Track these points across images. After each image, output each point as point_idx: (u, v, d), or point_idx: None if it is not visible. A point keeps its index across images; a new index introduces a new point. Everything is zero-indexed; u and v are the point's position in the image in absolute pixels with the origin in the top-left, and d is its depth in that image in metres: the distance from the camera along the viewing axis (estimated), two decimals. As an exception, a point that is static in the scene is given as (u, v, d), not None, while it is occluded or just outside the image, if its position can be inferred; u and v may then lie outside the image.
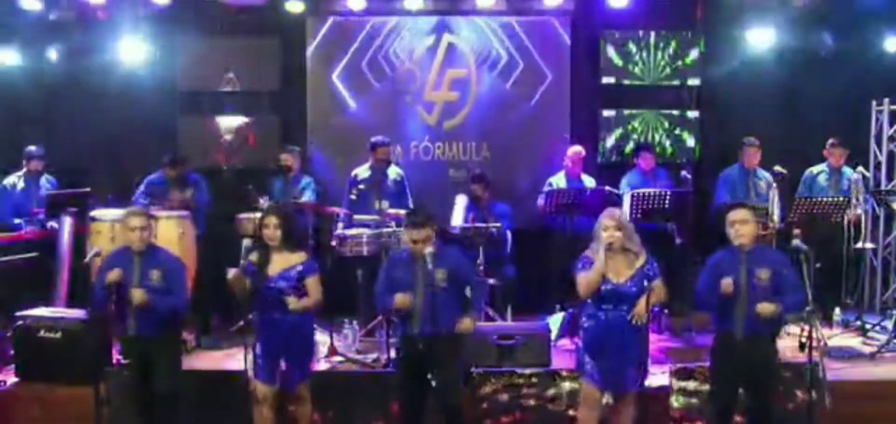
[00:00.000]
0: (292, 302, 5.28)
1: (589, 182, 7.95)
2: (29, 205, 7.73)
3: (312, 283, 5.38)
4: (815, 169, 8.01)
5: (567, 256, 7.53)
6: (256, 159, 8.62)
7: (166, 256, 5.60)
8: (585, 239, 5.38)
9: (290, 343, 5.35)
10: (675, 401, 6.06)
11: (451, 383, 5.29)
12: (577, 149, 8.02)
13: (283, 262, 5.34)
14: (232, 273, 5.28)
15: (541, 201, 7.71)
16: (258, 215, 5.80)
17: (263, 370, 5.34)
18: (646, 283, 5.14)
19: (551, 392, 6.14)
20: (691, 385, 6.07)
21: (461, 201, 7.60)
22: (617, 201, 7.20)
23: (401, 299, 5.14)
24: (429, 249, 5.14)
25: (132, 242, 5.40)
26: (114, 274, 5.30)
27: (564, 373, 6.15)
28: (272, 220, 5.34)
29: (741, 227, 5.14)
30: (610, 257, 5.11)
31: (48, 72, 8.43)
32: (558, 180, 7.93)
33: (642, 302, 5.08)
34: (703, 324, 6.88)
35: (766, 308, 5.02)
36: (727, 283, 5.02)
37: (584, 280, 5.13)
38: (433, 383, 5.21)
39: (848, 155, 7.95)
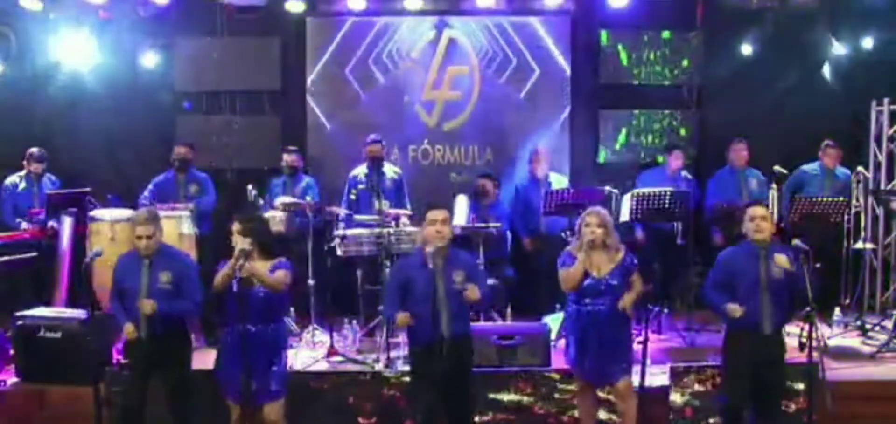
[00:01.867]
0: (245, 269, 4.93)
1: (559, 181, 7.93)
2: (30, 206, 7.73)
3: (281, 272, 5.12)
4: (806, 167, 8.00)
5: (556, 256, 7.58)
6: (256, 159, 8.62)
7: (177, 256, 5.50)
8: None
9: (268, 355, 5.12)
10: (675, 401, 6.06)
11: (467, 389, 5.22)
12: (540, 149, 8.02)
13: (263, 269, 5.08)
14: (220, 277, 5.04)
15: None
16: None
17: (233, 387, 5.11)
18: (627, 277, 5.30)
19: (551, 391, 6.14)
20: (691, 384, 6.08)
21: (462, 201, 7.59)
22: (616, 200, 7.21)
23: (402, 318, 5.03)
24: (439, 244, 5.02)
25: (140, 250, 5.26)
26: (130, 330, 5.20)
27: (564, 374, 6.15)
28: (236, 228, 5.09)
29: (762, 223, 5.21)
30: (591, 253, 5.29)
31: (48, 72, 8.41)
32: (523, 182, 7.94)
33: (629, 296, 5.24)
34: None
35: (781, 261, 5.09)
36: (736, 311, 5.11)
37: (566, 275, 5.34)
38: (450, 389, 5.07)
39: (841, 156, 7.95)
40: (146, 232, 5.25)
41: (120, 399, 5.48)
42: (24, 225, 7.56)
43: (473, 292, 5.02)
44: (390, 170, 7.86)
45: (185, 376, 5.45)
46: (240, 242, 5.03)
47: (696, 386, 6.04)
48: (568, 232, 7.27)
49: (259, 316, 5.10)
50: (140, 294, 5.19)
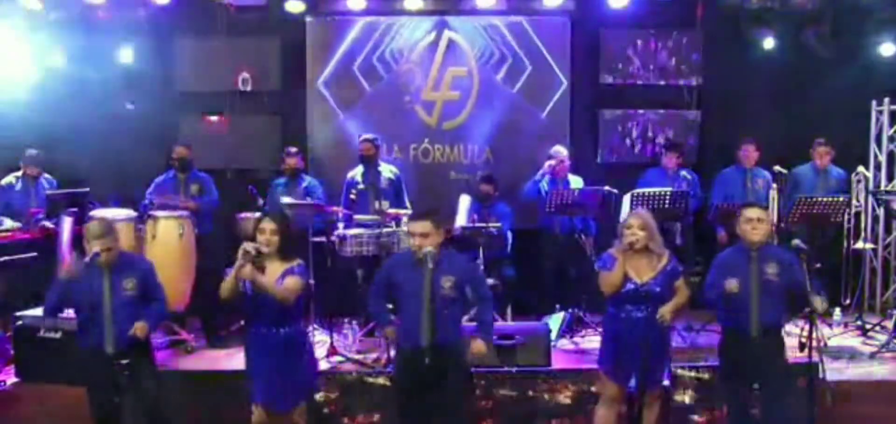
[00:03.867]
0: (246, 273, 4.81)
1: (577, 183, 7.90)
2: (26, 206, 7.71)
3: (293, 280, 4.95)
4: (797, 169, 7.98)
5: (565, 256, 7.58)
6: (257, 160, 8.61)
7: (136, 261, 5.33)
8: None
9: (286, 359, 4.96)
10: (676, 401, 6.06)
11: (454, 399, 5.00)
12: (560, 150, 7.99)
13: (277, 271, 4.95)
14: (227, 284, 4.90)
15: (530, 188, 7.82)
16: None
17: (260, 390, 4.98)
18: (671, 283, 5.15)
19: (551, 392, 6.14)
20: (692, 384, 6.08)
21: (465, 201, 7.60)
22: (616, 200, 7.20)
23: (389, 332, 5.17)
24: (428, 249, 4.89)
25: (99, 262, 5.00)
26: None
27: (565, 373, 6.16)
28: (269, 226, 4.96)
29: (758, 224, 5.14)
30: (632, 257, 5.11)
31: (48, 73, 8.41)
32: (543, 184, 7.89)
33: (670, 305, 5.07)
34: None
35: (819, 303, 5.05)
36: (732, 284, 5.02)
37: (605, 278, 5.15)
38: (435, 398, 4.93)
39: (833, 154, 7.94)
40: (104, 245, 4.99)
41: (94, 411, 5.18)
42: (8, 223, 7.42)
43: (478, 347, 5.04)
44: (387, 170, 7.86)
45: (154, 388, 5.22)
46: (263, 240, 4.90)
47: (697, 386, 6.05)
48: (581, 235, 7.28)
49: (277, 319, 4.93)
50: (104, 305, 4.99)
